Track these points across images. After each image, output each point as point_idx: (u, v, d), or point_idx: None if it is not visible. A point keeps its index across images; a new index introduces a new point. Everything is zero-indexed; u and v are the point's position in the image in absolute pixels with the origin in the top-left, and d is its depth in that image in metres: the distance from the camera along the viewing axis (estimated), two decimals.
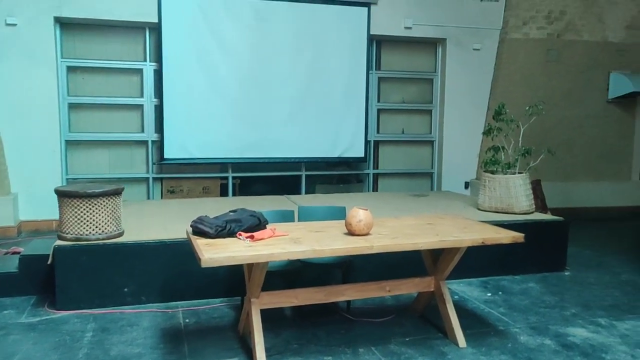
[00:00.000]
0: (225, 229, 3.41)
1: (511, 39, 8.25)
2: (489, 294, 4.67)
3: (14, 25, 6.62)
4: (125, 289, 4.34)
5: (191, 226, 3.52)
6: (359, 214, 3.45)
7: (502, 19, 8.36)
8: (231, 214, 3.67)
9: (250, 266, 3.38)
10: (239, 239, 3.36)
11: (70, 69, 7.20)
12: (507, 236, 3.57)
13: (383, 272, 4.45)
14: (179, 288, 4.44)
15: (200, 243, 3.24)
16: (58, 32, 6.99)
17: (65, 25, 7.07)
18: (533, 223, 5.35)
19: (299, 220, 4.32)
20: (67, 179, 7.23)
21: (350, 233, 3.47)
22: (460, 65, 8.35)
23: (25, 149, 6.82)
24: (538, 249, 5.22)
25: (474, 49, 8.34)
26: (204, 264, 2.95)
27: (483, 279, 5.06)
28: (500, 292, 4.71)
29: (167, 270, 4.42)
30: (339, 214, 4.38)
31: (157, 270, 4.41)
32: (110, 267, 4.30)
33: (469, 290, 4.77)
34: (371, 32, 7.88)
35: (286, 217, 4.29)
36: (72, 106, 7.27)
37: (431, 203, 6.44)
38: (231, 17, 7.34)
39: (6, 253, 5.66)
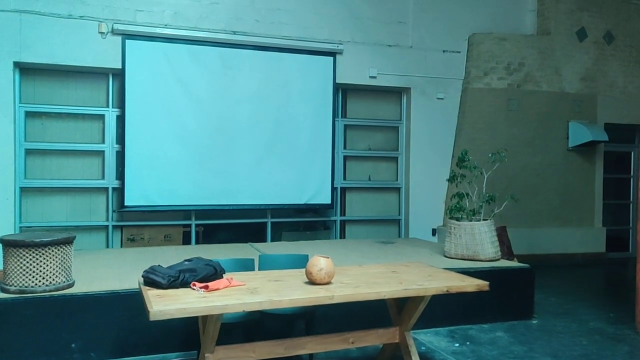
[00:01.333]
0: (178, 279, 3.24)
1: (473, 88, 8.45)
2: (457, 345, 4.53)
3: None
4: (73, 345, 4.06)
5: (143, 276, 3.33)
6: (320, 262, 3.33)
7: (464, 70, 8.59)
8: (186, 263, 3.51)
9: (205, 319, 3.19)
10: (193, 289, 3.19)
11: (29, 114, 7.01)
12: (472, 284, 3.49)
13: (347, 322, 4.29)
14: (132, 342, 4.18)
15: (150, 294, 3.06)
16: (17, 76, 6.83)
17: (25, 70, 6.94)
18: (499, 270, 5.30)
19: (259, 269, 4.17)
20: (20, 227, 6.91)
21: (311, 282, 3.34)
22: (425, 114, 8.48)
23: None
24: (505, 296, 5.15)
25: (438, 98, 8.50)
26: (152, 317, 2.76)
27: (450, 328, 4.93)
28: (468, 342, 4.58)
29: (119, 323, 4.17)
30: (302, 262, 4.23)
31: (108, 324, 4.16)
32: (57, 321, 4.03)
33: (436, 340, 4.63)
34: (337, 81, 7.97)
35: (246, 265, 4.13)
36: (30, 152, 7.04)
37: (398, 250, 6.35)
38: (197, 64, 7.33)
39: None
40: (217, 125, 7.47)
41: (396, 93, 8.63)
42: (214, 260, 3.61)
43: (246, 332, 4.02)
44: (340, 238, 8.38)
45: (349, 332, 3.64)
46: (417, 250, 6.38)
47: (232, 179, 7.55)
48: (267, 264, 4.23)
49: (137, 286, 3.50)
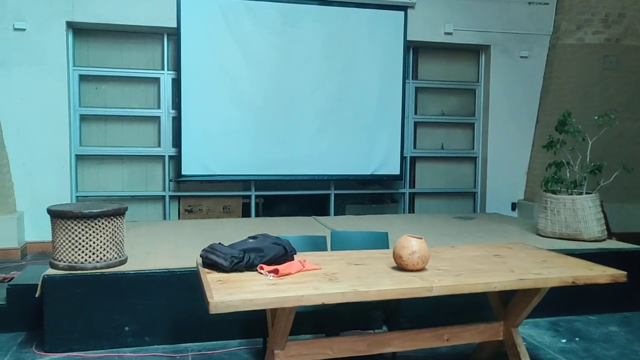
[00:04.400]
0: (242, 261, 2.71)
1: (563, 44, 7.45)
2: (564, 340, 3.84)
3: (23, 30, 6.12)
4: (126, 328, 3.66)
5: (201, 256, 2.83)
6: (412, 244, 2.72)
7: (552, 24, 7.59)
8: (250, 241, 2.98)
9: (274, 309, 2.66)
10: (260, 273, 2.66)
11: (83, 78, 6.67)
12: (604, 274, 2.80)
13: (435, 314, 3.70)
14: (189, 327, 3.75)
15: (210, 279, 2.55)
16: (70, 38, 6.47)
17: (78, 31, 6.56)
18: (609, 252, 4.51)
19: (332, 249, 3.60)
20: (77, 196, 6.65)
21: (401, 268, 2.74)
22: (506, 74, 7.58)
23: (33, 163, 6.27)
24: (616, 283, 4.36)
25: (522, 57, 7.57)
26: (212, 310, 2.26)
27: (552, 319, 4.23)
28: (577, 338, 3.88)
29: (176, 305, 3.74)
30: (381, 241, 3.65)
31: (164, 306, 3.73)
32: (109, 302, 3.63)
33: (538, 334, 3.96)
34: (408, 38, 7.18)
35: (317, 244, 3.57)
36: (84, 118, 6.73)
37: (481, 227, 5.64)
38: (255, 22, 6.74)
39: (3, 279, 5.06)
40: (276, 88, 6.89)
41: (474, 52, 7.75)
42: (282, 237, 3.07)
43: (317, 322, 3.50)
44: (409, 212, 7.72)
45: (442, 328, 3.03)
46: (503, 227, 5.64)
47: (293, 147, 7.00)
48: (340, 242, 3.65)
49: (194, 264, 3.02)
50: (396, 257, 2.75)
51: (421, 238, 2.76)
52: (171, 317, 3.73)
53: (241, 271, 2.69)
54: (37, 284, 3.62)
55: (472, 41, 7.46)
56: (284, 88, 6.91)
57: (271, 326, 2.80)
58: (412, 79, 7.60)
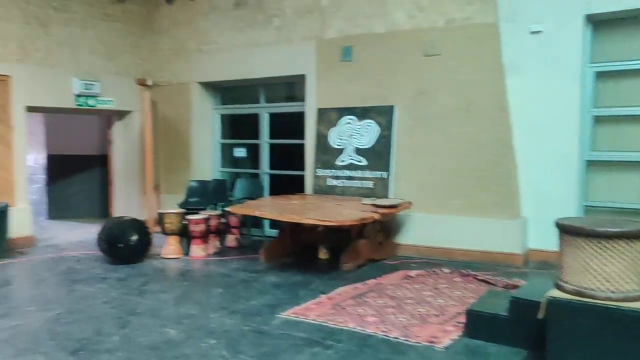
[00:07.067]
0: None
1: None
2: None
3: (538, 32, 5.97)
4: None
5: None
6: None
7: None
8: None
9: None
10: None
11: (599, 75, 5.99)
12: None
13: None
14: None
15: None
16: (588, 33, 5.91)
17: (596, 23, 5.93)
18: None
19: None
20: (584, 206, 6.06)
21: None
22: None
23: (540, 168, 6.07)
24: None
25: None
26: None
27: None
28: None
29: None
30: None
31: None
32: (624, 344, 2.93)
33: None
34: None
35: None
36: (598, 119, 6.05)
37: None
38: None
39: (505, 286, 5.04)
40: None
41: None
42: None
43: None
44: None
45: None
46: None
47: None
48: None
49: None
50: None
51: None
52: None
53: None
54: (540, 303, 3.28)
55: None
56: None
57: None
58: None
